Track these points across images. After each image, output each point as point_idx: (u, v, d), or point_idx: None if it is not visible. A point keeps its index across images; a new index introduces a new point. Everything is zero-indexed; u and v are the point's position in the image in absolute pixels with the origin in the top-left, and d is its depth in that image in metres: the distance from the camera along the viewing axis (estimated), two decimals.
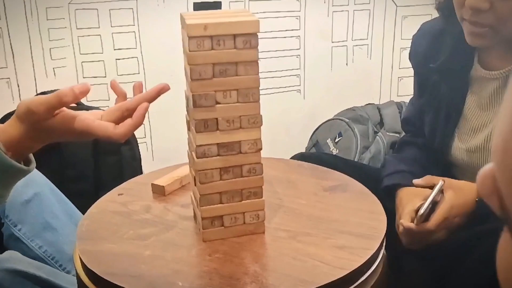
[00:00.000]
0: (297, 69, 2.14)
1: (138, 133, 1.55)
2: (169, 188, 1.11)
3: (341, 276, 0.81)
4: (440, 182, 1.11)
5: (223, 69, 0.84)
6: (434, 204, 1.09)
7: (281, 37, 2.08)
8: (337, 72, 2.15)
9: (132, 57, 1.96)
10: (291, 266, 0.84)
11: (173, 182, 1.12)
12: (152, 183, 1.11)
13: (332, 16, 2.08)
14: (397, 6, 2.14)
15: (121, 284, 0.81)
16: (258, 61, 0.85)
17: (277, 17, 2.05)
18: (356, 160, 1.83)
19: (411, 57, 1.33)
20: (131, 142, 1.73)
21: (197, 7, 1.83)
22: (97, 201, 1.08)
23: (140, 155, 1.74)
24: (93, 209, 1.04)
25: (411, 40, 1.33)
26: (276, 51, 2.08)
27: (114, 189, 1.13)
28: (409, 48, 1.34)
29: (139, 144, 1.75)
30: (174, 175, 1.14)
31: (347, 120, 1.95)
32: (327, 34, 2.11)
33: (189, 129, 0.94)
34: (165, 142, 2.06)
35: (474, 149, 1.18)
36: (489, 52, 1.15)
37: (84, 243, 0.93)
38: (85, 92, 0.83)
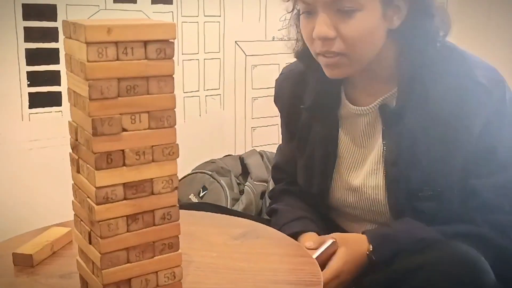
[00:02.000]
0: None
1: None
2: (38, 256, 0.86)
3: None
4: (329, 241, 1.01)
5: (131, 86, 0.65)
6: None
7: None
8: (190, 124, 2.02)
9: None
10: None
11: (43, 249, 0.87)
12: (13, 253, 0.85)
13: (183, 64, 1.97)
14: (246, 55, 2.10)
15: None
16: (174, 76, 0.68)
17: None
18: None
19: (277, 101, 1.28)
20: None
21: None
22: None
23: None
24: None
25: (274, 85, 1.28)
26: None
27: None
28: (274, 93, 1.29)
29: None
30: (41, 240, 0.89)
31: (210, 173, 1.82)
32: (178, 83, 1.98)
33: (77, 171, 0.72)
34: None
35: (355, 187, 1.13)
36: (354, 88, 1.13)
37: None
38: None
